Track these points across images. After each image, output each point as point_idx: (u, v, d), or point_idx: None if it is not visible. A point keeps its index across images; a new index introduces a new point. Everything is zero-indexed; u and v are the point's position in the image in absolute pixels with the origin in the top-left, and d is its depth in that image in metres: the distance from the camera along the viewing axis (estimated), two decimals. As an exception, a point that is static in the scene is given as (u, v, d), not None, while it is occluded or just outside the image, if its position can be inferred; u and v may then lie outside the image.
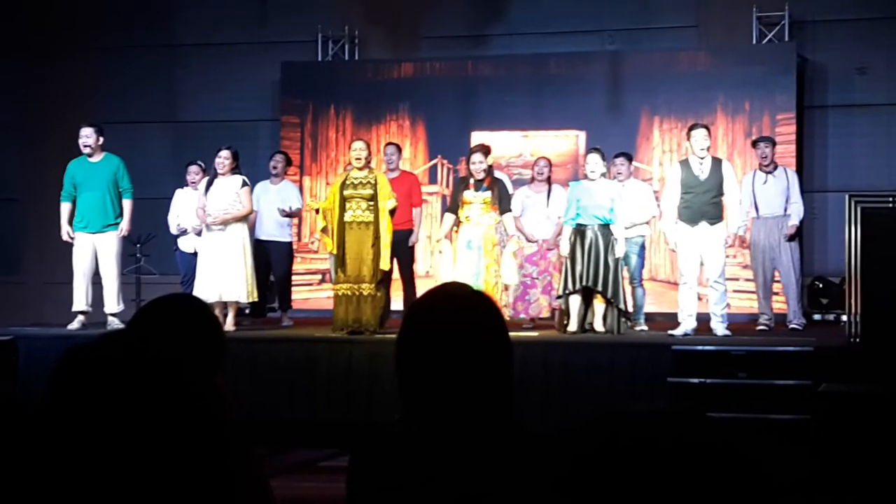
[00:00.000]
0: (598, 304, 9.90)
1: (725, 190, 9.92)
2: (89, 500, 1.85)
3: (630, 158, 11.29)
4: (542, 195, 10.93)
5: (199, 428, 2.02)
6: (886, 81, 12.88)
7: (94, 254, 10.58)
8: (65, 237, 10.63)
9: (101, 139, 10.69)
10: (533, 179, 11.16)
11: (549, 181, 11.05)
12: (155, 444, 1.92)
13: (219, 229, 10.32)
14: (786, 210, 10.84)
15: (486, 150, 10.34)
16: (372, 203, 9.96)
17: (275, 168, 11.71)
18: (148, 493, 1.87)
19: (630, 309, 10.24)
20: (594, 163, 10.08)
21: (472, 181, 10.17)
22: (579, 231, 9.95)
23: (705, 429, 1.54)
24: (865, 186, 11.57)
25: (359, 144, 10.25)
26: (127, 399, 1.93)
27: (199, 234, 10.70)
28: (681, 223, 9.97)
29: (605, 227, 9.94)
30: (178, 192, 11.77)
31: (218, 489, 2.01)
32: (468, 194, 10.13)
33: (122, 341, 2.04)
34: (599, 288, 9.81)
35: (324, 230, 10.22)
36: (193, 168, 11.67)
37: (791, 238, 10.81)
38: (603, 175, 10.13)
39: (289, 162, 12.11)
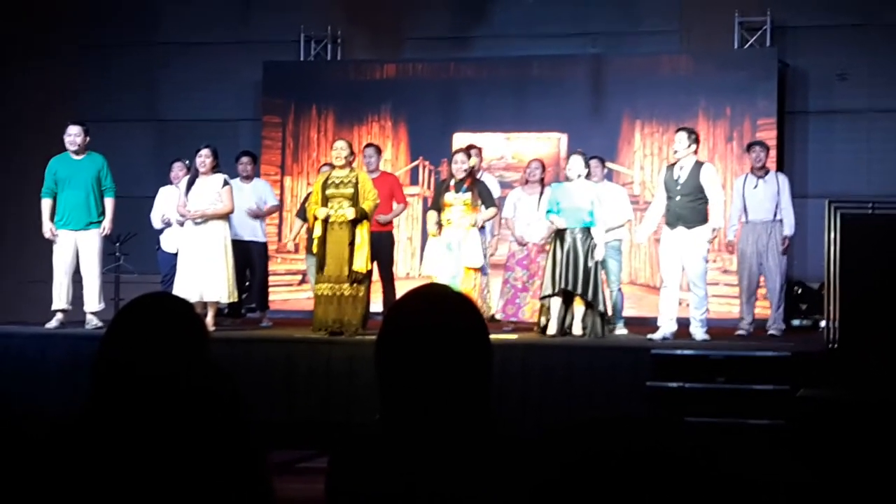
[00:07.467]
0: (578, 308, 9.91)
1: (707, 192, 9.90)
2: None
3: (603, 161, 11.26)
4: (535, 197, 10.87)
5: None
6: (867, 87, 12.93)
7: (76, 251, 10.53)
8: (47, 234, 10.56)
9: (88, 138, 10.65)
10: (526, 181, 11.14)
11: (542, 183, 11.00)
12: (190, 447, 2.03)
13: (199, 228, 10.28)
14: (775, 215, 10.85)
15: (468, 152, 10.35)
16: (353, 202, 9.95)
17: (244, 170, 11.67)
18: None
19: (609, 312, 10.25)
20: (577, 164, 10.10)
21: (452, 182, 10.17)
22: (559, 234, 9.97)
23: (682, 436, 1.54)
24: (845, 192, 11.61)
25: (340, 144, 10.27)
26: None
27: (182, 224, 10.62)
28: (664, 227, 10.00)
29: (585, 231, 9.95)
30: (162, 189, 11.73)
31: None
32: (449, 196, 10.12)
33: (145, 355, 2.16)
34: (579, 291, 9.82)
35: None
36: (177, 164, 11.63)
37: (785, 251, 10.85)
38: (583, 177, 10.16)
39: (255, 160, 12.06)
